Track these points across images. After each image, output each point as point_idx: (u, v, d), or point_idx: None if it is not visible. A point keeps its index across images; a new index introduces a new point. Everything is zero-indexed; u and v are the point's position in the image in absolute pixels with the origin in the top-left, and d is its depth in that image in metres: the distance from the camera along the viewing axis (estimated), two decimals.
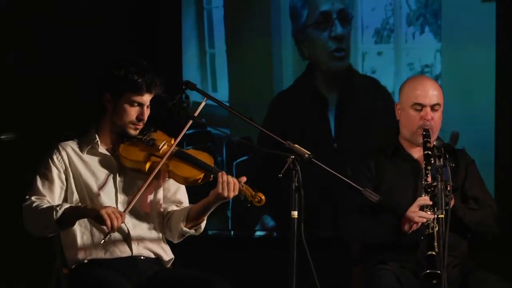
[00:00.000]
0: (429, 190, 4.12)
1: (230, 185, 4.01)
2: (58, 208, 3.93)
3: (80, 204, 4.10)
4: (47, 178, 4.10)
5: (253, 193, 4.00)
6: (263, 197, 3.99)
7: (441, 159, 4.04)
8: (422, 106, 4.34)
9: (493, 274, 4.24)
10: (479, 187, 4.44)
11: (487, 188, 4.51)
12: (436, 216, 4.09)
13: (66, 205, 3.98)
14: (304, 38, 6.21)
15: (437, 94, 4.37)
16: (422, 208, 4.14)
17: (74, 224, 4.01)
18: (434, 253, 4.01)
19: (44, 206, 3.97)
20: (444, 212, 3.96)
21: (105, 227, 3.90)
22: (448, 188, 4.00)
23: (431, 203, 4.13)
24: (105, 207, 3.94)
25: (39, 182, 4.09)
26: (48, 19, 6.10)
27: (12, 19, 6.11)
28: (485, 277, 4.21)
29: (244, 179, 4.04)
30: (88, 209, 3.98)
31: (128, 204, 4.04)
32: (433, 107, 4.35)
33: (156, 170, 4.06)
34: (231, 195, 4.01)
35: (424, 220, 4.11)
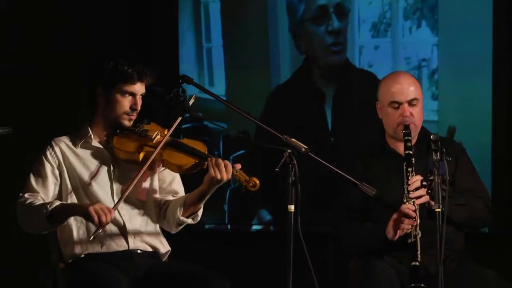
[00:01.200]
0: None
1: (221, 167, 4.00)
2: (48, 206, 3.95)
3: (74, 196, 4.12)
4: (41, 175, 4.11)
5: (247, 178, 4.00)
6: (257, 182, 3.98)
7: (438, 153, 4.04)
8: (399, 103, 4.35)
9: (489, 269, 4.24)
10: (470, 178, 4.43)
11: (479, 177, 4.49)
12: (417, 223, 4.09)
13: (57, 203, 4.00)
14: (301, 32, 6.20)
15: (413, 89, 4.37)
16: (406, 215, 4.14)
17: (64, 221, 4.03)
18: (417, 263, 4.02)
19: (37, 203, 3.99)
20: (440, 206, 3.95)
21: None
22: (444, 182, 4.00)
23: (414, 209, 4.13)
24: (93, 204, 3.94)
25: (32, 179, 4.11)
26: (45, 16, 6.09)
27: (10, 18, 6.11)
28: (482, 272, 4.21)
29: (239, 166, 4.04)
30: (77, 206, 3.99)
31: (122, 194, 4.04)
32: (410, 103, 4.35)
33: (150, 160, 4.06)
34: (224, 177, 4.00)
35: (408, 228, 4.11)
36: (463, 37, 5.87)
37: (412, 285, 4.00)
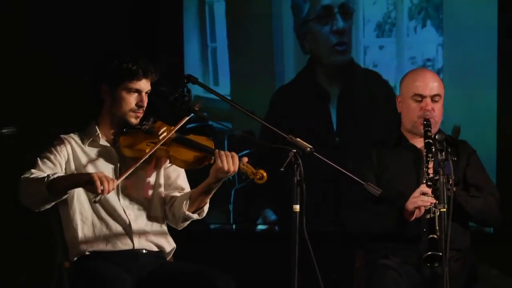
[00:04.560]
0: (430, 183, 4.12)
1: (229, 158, 4.00)
2: (51, 175, 3.93)
3: (82, 194, 4.13)
4: (49, 159, 4.10)
5: (254, 170, 3.99)
6: (264, 174, 3.97)
7: (443, 153, 4.04)
8: (422, 96, 4.37)
9: (494, 269, 4.24)
10: (481, 176, 4.46)
11: (489, 177, 4.52)
12: (435, 201, 4.09)
13: (61, 174, 3.99)
14: (305, 32, 6.21)
15: (437, 85, 4.40)
16: (424, 194, 4.15)
17: (65, 193, 3.99)
18: (435, 236, 4.01)
19: (41, 175, 3.96)
20: (446, 205, 3.95)
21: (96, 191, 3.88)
22: (450, 182, 3.99)
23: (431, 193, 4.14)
24: (96, 172, 3.94)
25: (39, 162, 4.08)
26: (47, 13, 6.10)
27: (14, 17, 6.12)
28: (487, 271, 4.22)
29: (245, 159, 4.04)
30: (79, 174, 3.99)
31: (122, 175, 4.03)
32: (433, 98, 4.37)
33: (153, 150, 4.05)
34: (231, 168, 3.99)
35: (427, 204, 4.11)
36: (468, 36, 5.87)
37: (430, 252, 3.98)
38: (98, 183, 3.83)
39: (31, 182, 3.96)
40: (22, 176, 4.02)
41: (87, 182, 3.88)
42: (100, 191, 3.84)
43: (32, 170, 4.04)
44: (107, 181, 3.85)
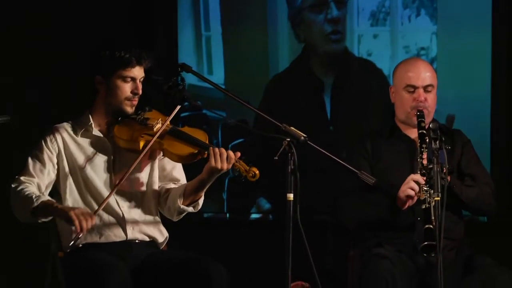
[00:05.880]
0: (424, 172, 4.12)
1: (223, 156, 4.00)
2: (34, 200, 3.93)
3: (74, 186, 4.12)
4: (39, 159, 4.10)
5: (247, 168, 3.99)
6: (257, 172, 3.97)
7: (437, 142, 4.04)
8: (415, 87, 4.36)
9: (489, 258, 4.24)
10: (476, 165, 4.46)
11: (483, 166, 4.52)
12: (430, 191, 4.08)
13: (44, 198, 3.97)
14: (300, 21, 6.20)
15: (429, 75, 4.38)
16: (417, 183, 4.15)
17: (47, 218, 4.01)
18: (431, 226, 4.01)
19: (26, 192, 3.97)
20: (439, 194, 3.95)
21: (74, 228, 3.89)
22: (444, 171, 3.99)
23: (423, 182, 4.14)
24: (75, 208, 3.93)
25: (30, 163, 4.09)
26: (43, 4, 6.08)
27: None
28: (482, 260, 4.22)
29: (238, 154, 4.03)
30: (59, 209, 3.95)
31: (120, 180, 4.03)
32: (426, 88, 4.37)
33: (148, 147, 4.05)
34: (225, 166, 3.99)
35: (416, 189, 4.11)
36: (462, 25, 5.87)
37: (426, 243, 3.98)
38: (77, 223, 3.84)
39: (18, 198, 3.98)
40: (12, 186, 4.03)
41: (66, 219, 3.89)
42: (79, 230, 3.85)
43: (22, 179, 4.05)
44: (85, 219, 3.85)
